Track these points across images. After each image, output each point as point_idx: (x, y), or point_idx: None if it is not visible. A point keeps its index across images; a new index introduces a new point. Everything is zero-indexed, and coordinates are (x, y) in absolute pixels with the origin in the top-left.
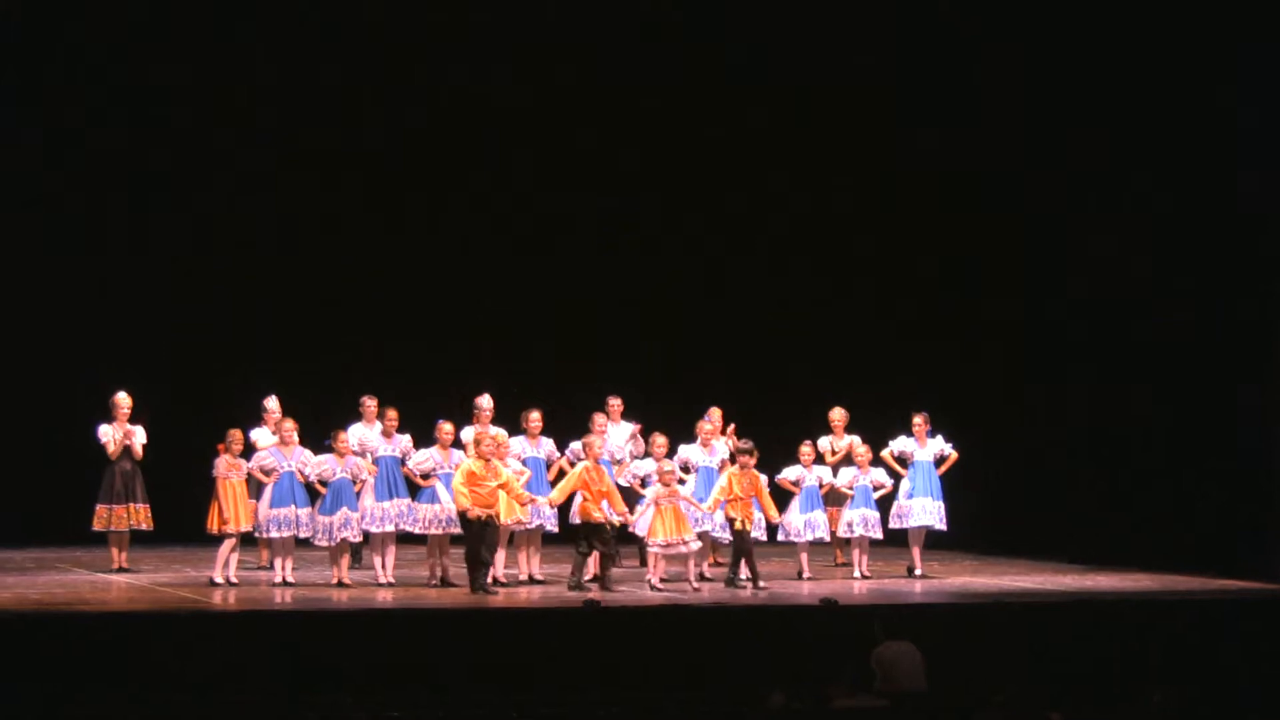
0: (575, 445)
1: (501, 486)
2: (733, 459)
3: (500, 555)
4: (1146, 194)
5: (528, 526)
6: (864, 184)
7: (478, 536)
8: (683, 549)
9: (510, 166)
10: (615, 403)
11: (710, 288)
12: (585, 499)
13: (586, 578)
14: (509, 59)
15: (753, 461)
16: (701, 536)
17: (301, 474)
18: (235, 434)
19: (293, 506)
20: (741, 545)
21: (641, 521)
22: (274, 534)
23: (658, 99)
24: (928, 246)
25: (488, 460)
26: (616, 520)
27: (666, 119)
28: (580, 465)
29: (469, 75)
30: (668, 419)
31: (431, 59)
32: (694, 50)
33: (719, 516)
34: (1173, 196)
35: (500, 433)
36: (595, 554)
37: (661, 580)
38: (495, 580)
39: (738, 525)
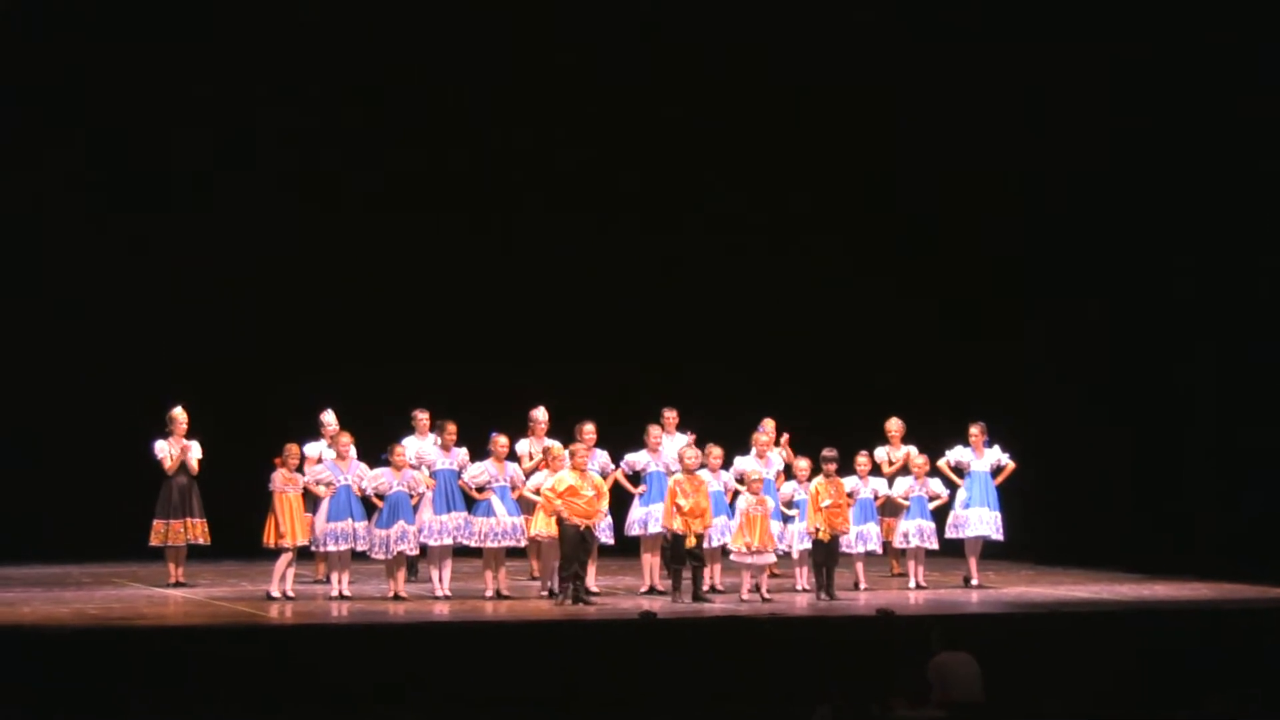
0: (630, 457)
1: (599, 496)
2: (787, 470)
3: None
4: (1146, 192)
5: None
6: (863, 184)
7: (574, 546)
8: (758, 559)
9: (510, 164)
10: (670, 415)
11: (710, 287)
12: (675, 511)
13: (643, 590)
14: (509, 59)
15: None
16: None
17: (358, 487)
18: (291, 448)
19: (349, 520)
20: (827, 556)
21: (729, 531)
22: (331, 548)
23: (658, 100)
24: (928, 248)
25: (584, 471)
26: (710, 534)
27: (666, 118)
28: (672, 479)
29: (469, 76)
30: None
31: (432, 59)
32: (694, 50)
33: (777, 526)
34: (1175, 192)
35: (555, 444)
36: (656, 561)
37: (717, 591)
38: (587, 590)
39: (821, 535)
